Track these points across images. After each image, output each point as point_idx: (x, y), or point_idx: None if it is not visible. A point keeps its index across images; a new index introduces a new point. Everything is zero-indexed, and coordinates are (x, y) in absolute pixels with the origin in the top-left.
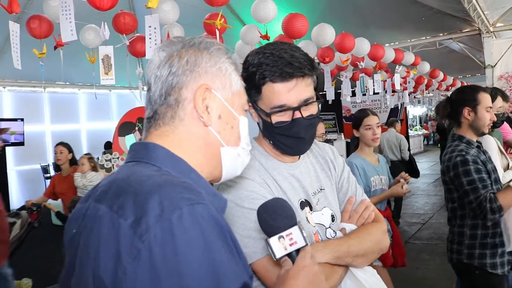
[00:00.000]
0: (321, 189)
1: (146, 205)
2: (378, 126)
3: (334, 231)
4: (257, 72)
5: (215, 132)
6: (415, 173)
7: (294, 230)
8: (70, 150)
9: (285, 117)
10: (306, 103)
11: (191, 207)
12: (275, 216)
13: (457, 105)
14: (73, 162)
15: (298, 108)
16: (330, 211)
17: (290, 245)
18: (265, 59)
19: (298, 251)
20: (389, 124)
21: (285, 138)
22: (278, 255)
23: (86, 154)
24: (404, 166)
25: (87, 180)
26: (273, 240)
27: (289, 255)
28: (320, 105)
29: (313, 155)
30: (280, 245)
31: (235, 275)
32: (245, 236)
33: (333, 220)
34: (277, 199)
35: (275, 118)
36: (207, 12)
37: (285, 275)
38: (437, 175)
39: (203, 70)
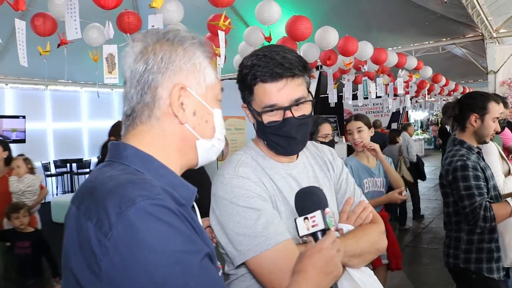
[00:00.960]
0: None
1: (106, 205)
2: (359, 131)
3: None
4: (250, 73)
5: (190, 128)
6: (421, 175)
7: (318, 214)
8: (6, 147)
9: (277, 117)
10: (297, 102)
11: (145, 201)
12: (304, 200)
13: (465, 110)
14: (9, 161)
15: (289, 107)
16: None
17: (313, 226)
18: (258, 60)
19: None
20: (403, 128)
21: (277, 137)
22: (301, 234)
23: (20, 155)
24: (412, 168)
25: (24, 185)
26: (299, 220)
27: (314, 237)
28: (318, 106)
29: (312, 156)
30: (304, 225)
31: (196, 249)
32: (239, 233)
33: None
34: (312, 187)
35: (267, 118)
36: (212, 13)
37: (303, 253)
38: (437, 179)
39: (178, 68)
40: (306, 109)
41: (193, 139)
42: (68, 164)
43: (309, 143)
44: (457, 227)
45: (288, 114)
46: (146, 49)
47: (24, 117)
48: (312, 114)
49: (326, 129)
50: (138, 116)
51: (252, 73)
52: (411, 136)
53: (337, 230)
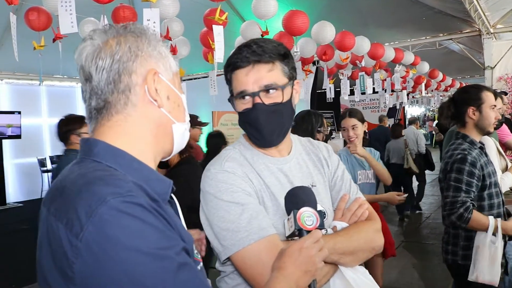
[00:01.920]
0: (312, 185)
1: (76, 205)
2: (354, 128)
3: (324, 228)
4: (227, 62)
5: (166, 112)
6: (430, 166)
7: (291, 215)
8: None
9: (248, 104)
10: (267, 89)
11: (116, 199)
12: (287, 202)
13: (461, 105)
14: None
15: (257, 93)
16: (321, 208)
17: (290, 227)
18: (236, 51)
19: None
20: (410, 122)
21: (249, 126)
22: (286, 234)
23: None
24: (422, 159)
25: None
26: (285, 222)
27: (300, 236)
28: (315, 102)
29: (306, 152)
30: (288, 226)
31: (171, 245)
32: (223, 228)
33: (324, 218)
34: (295, 188)
35: (240, 106)
36: (207, 8)
37: (283, 250)
38: (434, 175)
39: (147, 55)
40: (278, 97)
41: (169, 123)
42: None
43: (304, 139)
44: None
45: (257, 100)
46: (108, 42)
47: (19, 112)
48: (292, 102)
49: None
50: (113, 106)
51: (228, 62)
52: (418, 129)
53: (322, 228)
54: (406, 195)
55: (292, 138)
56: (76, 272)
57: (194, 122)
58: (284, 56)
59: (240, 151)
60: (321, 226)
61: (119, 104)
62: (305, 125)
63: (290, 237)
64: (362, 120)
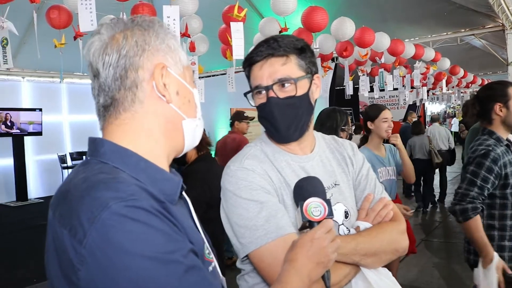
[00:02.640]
0: (335, 184)
1: (78, 211)
2: (390, 121)
3: (347, 228)
4: (245, 61)
5: (176, 108)
6: (453, 160)
7: (300, 207)
8: None
9: (263, 98)
10: (281, 82)
11: (118, 204)
12: (294, 195)
13: (487, 102)
14: None
15: (271, 87)
16: (344, 207)
17: (300, 220)
18: (254, 47)
19: None
20: (433, 119)
21: (265, 121)
22: (298, 227)
23: None
24: (449, 154)
25: None
26: (296, 215)
27: (311, 228)
28: (334, 99)
29: (330, 150)
30: (298, 220)
31: (178, 248)
32: (242, 226)
33: (346, 217)
34: (302, 179)
35: (257, 101)
36: (226, 4)
37: (295, 242)
38: (454, 173)
39: (154, 49)
40: (293, 91)
41: (179, 119)
42: (84, 156)
43: (328, 137)
44: None
45: (271, 93)
46: (115, 37)
47: (40, 110)
48: (310, 97)
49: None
50: (120, 104)
51: (245, 58)
52: (440, 125)
53: (331, 217)
54: (412, 211)
55: (316, 136)
56: (81, 279)
57: (241, 117)
58: (301, 50)
59: (261, 148)
60: (329, 215)
61: (126, 101)
62: (330, 123)
63: (302, 229)
64: None
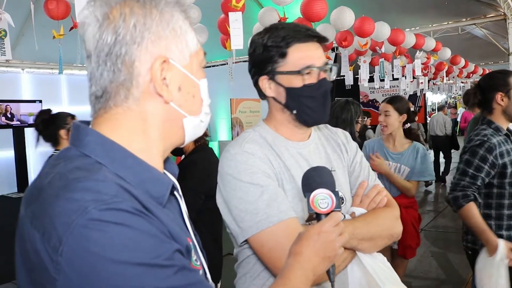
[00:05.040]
0: (331, 170)
1: (52, 214)
2: (386, 115)
3: (343, 214)
4: (278, 38)
5: (176, 106)
6: (455, 145)
7: (306, 198)
8: None
9: (312, 79)
10: (326, 67)
11: (98, 207)
12: (302, 185)
13: (488, 92)
14: None
15: (324, 68)
16: (340, 193)
17: (307, 212)
18: (281, 29)
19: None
20: (439, 108)
21: (312, 100)
22: (305, 219)
23: None
24: (448, 140)
25: None
26: (304, 206)
27: (318, 219)
28: (334, 89)
29: (325, 137)
30: (305, 209)
31: (163, 250)
32: (241, 210)
33: (342, 203)
34: (310, 169)
35: (304, 80)
36: None
37: (301, 234)
38: (454, 163)
39: (156, 36)
40: (329, 76)
41: (179, 118)
42: None
43: (322, 125)
44: None
45: (323, 75)
46: (112, 13)
47: (40, 101)
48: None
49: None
50: (111, 98)
51: (282, 36)
52: (445, 115)
53: (338, 210)
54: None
55: None
56: (58, 285)
57: None
58: (323, 39)
59: (260, 133)
60: (337, 208)
61: (118, 96)
62: (345, 115)
63: (309, 221)
64: (400, 110)
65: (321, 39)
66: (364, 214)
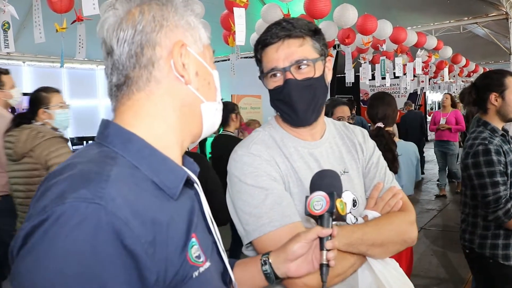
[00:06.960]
0: (344, 172)
1: (40, 200)
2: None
3: (355, 217)
4: (256, 43)
5: (194, 90)
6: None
7: (305, 201)
8: None
9: (279, 81)
10: (298, 64)
11: (77, 203)
12: (309, 189)
13: (483, 91)
14: None
15: (288, 68)
16: (352, 195)
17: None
18: (266, 29)
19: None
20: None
21: (281, 104)
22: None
23: None
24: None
25: None
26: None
27: (321, 219)
28: (335, 87)
29: (340, 136)
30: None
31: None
32: (246, 213)
33: (354, 205)
34: (315, 175)
35: (272, 84)
36: None
37: (292, 237)
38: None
39: (173, 25)
40: (310, 72)
41: (197, 102)
42: (84, 142)
43: (339, 123)
44: (474, 212)
45: (288, 75)
46: (131, 12)
47: None
48: (324, 79)
49: (340, 111)
50: (134, 83)
51: (257, 41)
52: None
53: (332, 211)
54: None
55: (326, 121)
56: (12, 270)
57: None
58: (315, 32)
59: (269, 133)
60: (330, 210)
61: (141, 80)
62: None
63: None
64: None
65: (294, 35)
66: (377, 218)
